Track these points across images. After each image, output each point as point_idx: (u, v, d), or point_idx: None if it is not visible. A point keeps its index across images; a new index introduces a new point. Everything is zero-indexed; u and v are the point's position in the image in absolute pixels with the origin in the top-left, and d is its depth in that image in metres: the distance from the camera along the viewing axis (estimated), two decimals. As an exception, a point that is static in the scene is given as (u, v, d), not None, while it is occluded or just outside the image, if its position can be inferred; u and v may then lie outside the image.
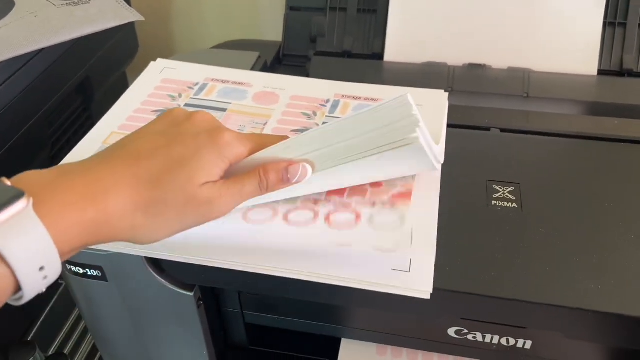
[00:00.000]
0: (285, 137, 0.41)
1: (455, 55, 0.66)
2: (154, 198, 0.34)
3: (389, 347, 0.53)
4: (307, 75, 0.68)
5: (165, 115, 0.40)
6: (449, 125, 0.53)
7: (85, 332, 0.73)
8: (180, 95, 0.56)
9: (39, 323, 0.67)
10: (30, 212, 0.29)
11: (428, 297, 0.38)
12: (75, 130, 0.70)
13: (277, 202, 0.43)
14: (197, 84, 0.57)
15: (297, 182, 0.39)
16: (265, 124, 0.52)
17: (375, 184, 0.44)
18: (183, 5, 0.96)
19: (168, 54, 0.69)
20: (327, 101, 0.55)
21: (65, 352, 0.70)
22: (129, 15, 0.63)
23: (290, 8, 0.74)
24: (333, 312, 0.50)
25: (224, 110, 0.54)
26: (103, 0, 0.63)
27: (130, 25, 0.80)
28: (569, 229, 0.43)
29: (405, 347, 0.52)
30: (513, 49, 0.65)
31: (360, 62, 0.69)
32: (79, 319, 0.72)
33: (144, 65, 0.60)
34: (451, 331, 0.47)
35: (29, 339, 0.66)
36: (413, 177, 0.45)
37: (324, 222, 0.41)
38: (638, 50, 0.65)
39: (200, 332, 0.50)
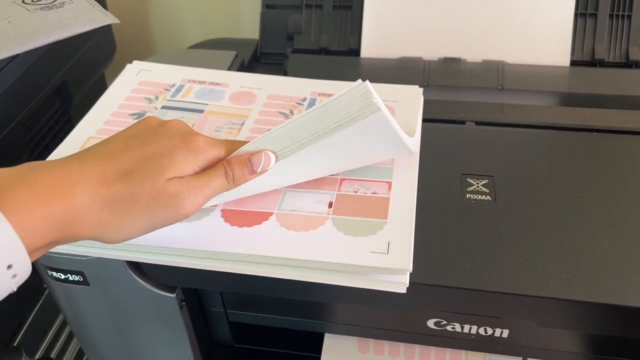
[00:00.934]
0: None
1: (430, 50, 0.67)
2: (122, 192, 0.34)
3: (371, 341, 0.54)
4: (285, 73, 0.68)
5: (139, 122, 0.40)
6: (424, 120, 0.54)
7: (71, 336, 0.73)
8: (157, 98, 0.56)
9: (24, 328, 0.67)
10: None
11: (408, 275, 0.38)
12: (55, 135, 0.70)
13: None
14: (173, 85, 0.58)
15: (262, 171, 0.40)
16: (242, 124, 0.52)
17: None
18: (160, 5, 0.95)
19: (147, 55, 0.69)
20: (304, 99, 0.55)
21: (51, 356, 0.70)
22: (104, 19, 0.62)
23: (267, 6, 0.74)
24: (315, 308, 0.51)
25: (201, 111, 0.54)
26: (77, 3, 0.63)
27: (107, 27, 0.79)
28: (541, 219, 0.44)
29: (385, 339, 0.52)
30: (487, 42, 0.66)
31: (337, 59, 0.69)
32: (64, 323, 0.72)
33: (123, 66, 0.61)
34: (430, 323, 0.48)
35: (15, 344, 0.66)
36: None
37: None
38: (609, 40, 0.66)
39: (184, 333, 0.50)
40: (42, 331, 0.70)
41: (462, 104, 0.60)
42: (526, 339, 0.48)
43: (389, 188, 0.44)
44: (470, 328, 0.47)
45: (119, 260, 0.43)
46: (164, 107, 0.55)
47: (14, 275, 0.30)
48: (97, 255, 0.42)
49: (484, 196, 0.47)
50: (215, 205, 0.43)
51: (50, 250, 0.41)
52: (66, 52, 0.69)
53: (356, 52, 0.69)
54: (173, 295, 0.46)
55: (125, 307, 0.48)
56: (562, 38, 0.65)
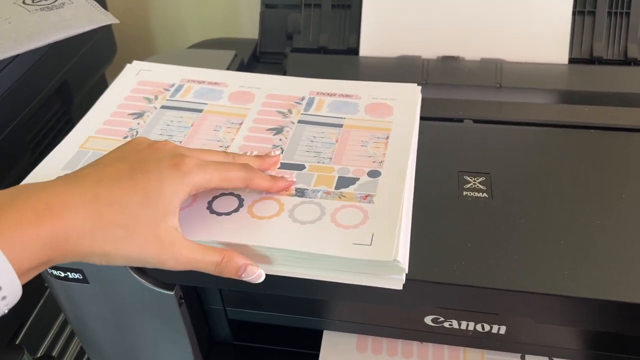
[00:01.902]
0: (248, 166, 0.42)
1: (429, 48, 0.67)
2: (115, 222, 0.34)
3: (370, 340, 0.54)
4: (284, 72, 0.69)
5: (128, 143, 0.41)
6: (423, 118, 0.54)
7: (72, 334, 0.73)
8: (156, 97, 0.56)
9: (26, 326, 0.68)
10: None
11: (390, 259, 0.38)
12: (55, 135, 0.70)
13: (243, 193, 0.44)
14: (173, 85, 0.58)
15: (245, 280, 0.40)
16: (241, 124, 0.53)
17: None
18: (160, 6, 0.96)
19: (147, 55, 0.70)
20: (303, 99, 0.56)
21: (53, 354, 0.71)
22: (104, 19, 0.63)
23: (266, 5, 0.75)
24: (313, 305, 0.51)
25: (200, 110, 0.54)
26: (77, 4, 0.63)
27: (108, 28, 0.80)
28: (538, 216, 0.45)
29: (383, 336, 0.53)
30: (485, 41, 0.66)
31: (336, 58, 0.70)
32: (65, 322, 0.73)
33: (123, 67, 0.61)
34: (428, 319, 0.48)
35: (17, 342, 0.67)
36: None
37: (287, 216, 0.42)
38: (607, 37, 0.66)
39: (183, 330, 0.51)
40: (44, 330, 0.71)
41: (460, 102, 0.60)
42: (524, 335, 0.48)
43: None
44: (468, 325, 0.47)
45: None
46: (163, 107, 0.55)
47: (4, 297, 0.30)
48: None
49: (480, 193, 0.47)
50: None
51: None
52: (67, 53, 0.70)
53: (355, 50, 0.69)
54: (172, 293, 0.46)
55: (125, 305, 0.48)
56: (560, 36, 0.65)
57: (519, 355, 0.51)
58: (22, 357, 0.60)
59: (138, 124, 0.53)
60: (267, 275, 0.40)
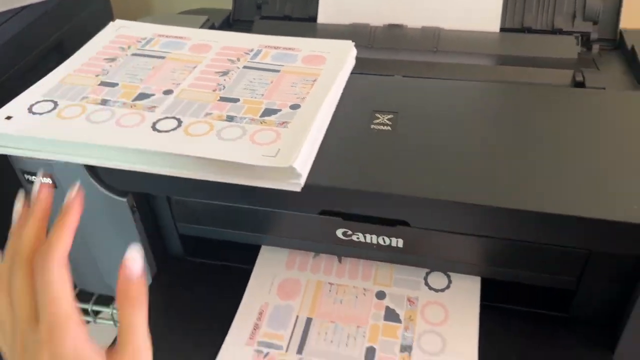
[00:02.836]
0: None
1: (377, 17, 0.76)
2: None
3: (298, 258, 0.62)
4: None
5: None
6: (360, 73, 0.62)
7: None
8: (129, 47, 0.66)
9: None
10: None
11: (287, 165, 0.46)
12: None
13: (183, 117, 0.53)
14: (145, 38, 0.68)
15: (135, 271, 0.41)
16: (194, 68, 0.62)
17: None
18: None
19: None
20: (251, 50, 0.65)
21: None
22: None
23: (240, -21, 0.84)
24: (249, 221, 0.60)
25: (163, 57, 0.64)
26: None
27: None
28: (429, 143, 0.53)
29: (306, 249, 0.61)
30: (427, 11, 0.75)
31: (297, 24, 0.79)
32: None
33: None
34: (339, 233, 0.56)
35: None
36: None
37: (215, 135, 0.51)
38: (537, 10, 0.73)
39: (138, 239, 0.60)
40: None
41: (396, 62, 0.69)
42: (419, 248, 0.56)
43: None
44: (372, 238, 0.56)
45: (81, 164, 0.53)
46: (133, 54, 0.65)
47: None
48: (60, 160, 0.52)
49: (385, 127, 0.55)
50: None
51: (22, 156, 0.52)
52: (64, 15, 0.81)
53: (314, 19, 0.78)
54: (124, 200, 0.56)
55: (87, 212, 0.58)
56: (494, 7, 0.73)
57: (423, 275, 0.59)
58: None
59: (110, 66, 0.63)
60: (194, 180, 0.50)
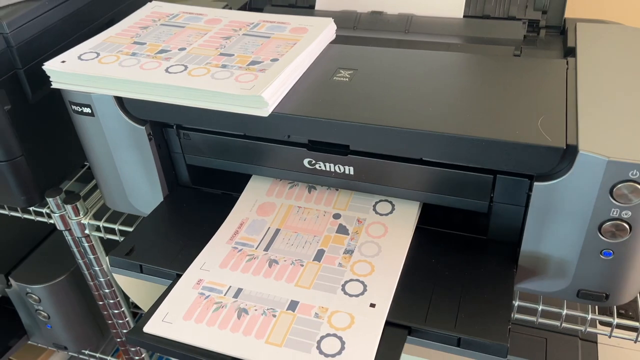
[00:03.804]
0: None
1: (364, 6, 0.91)
2: None
3: (277, 188, 0.78)
4: (260, 19, 0.95)
5: None
6: (339, 44, 0.78)
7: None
8: (159, 20, 0.84)
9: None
10: None
11: (257, 94, 0.62)
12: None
13: (189, 64, 0.70)
14: (172, 14, 0.86)
15: None
16: (205, 34, 0.79)
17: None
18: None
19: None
20: (252, 23, 0.82)
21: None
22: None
23: (258, -26, 1.02)
24: (238, 152, 0.76)
25: (183, 27, 0.82)
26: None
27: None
28: (374, 91, 0.67)
29: (281, 177, 0.77)
30: (404, 0, 0.90)
31: (298, 10, 0.95)
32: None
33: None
34: (305, 162, 0.72)
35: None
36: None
37: (210, 76, 0.68)
38: (495, 0, 0.87)
39: (154, 166, 0.77)
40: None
41: (371, 38, 0.84)
42: (366, 176, 0.70)
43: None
44: (330, 166, 0.71)
45: (111, 96, 0.71)
46: (161, 25, 0.83)
47: None
48: (97, 92, 0.70)
49: (344, 79, 0.70)
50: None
51: (70, 90, 0.70)
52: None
53: (313, 6, 0.95)
54: (142, 128, 0.73)
55: (115, 137, 0.75)
56: (459, -2, 0.87)
57: (373, 203, 0.74)
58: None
59: (143, 32, 0.81)
60: (194, 110, 0.66)
